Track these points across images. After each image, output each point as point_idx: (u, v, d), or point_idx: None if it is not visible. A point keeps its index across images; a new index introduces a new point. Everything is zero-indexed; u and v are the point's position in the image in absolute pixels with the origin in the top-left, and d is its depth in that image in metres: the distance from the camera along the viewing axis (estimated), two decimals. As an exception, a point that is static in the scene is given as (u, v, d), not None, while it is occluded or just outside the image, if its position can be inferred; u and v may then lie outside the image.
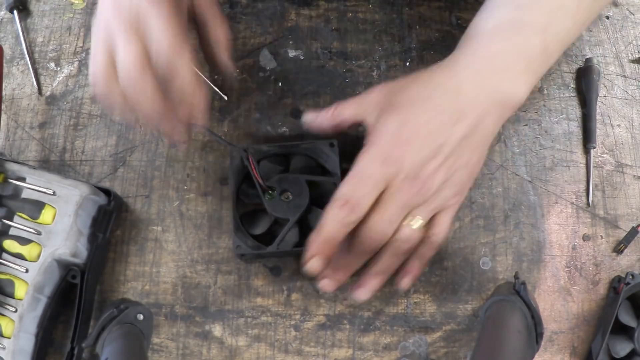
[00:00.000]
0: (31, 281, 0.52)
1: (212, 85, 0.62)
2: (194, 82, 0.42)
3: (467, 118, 0.45)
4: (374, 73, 0.64)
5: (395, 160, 0.44)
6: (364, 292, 0.51)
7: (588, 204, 0.60)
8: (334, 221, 0.45)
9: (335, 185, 0.51)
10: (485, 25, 0.47)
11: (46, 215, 0.53)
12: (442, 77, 0.46)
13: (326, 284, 0.50)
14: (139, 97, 0.41)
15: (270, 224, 0.55)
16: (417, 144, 0.45)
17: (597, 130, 0.62)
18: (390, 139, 0.45)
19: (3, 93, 0.62)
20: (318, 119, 0.53)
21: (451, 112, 0.45)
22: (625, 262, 0.59)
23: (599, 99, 0.63)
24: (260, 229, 0.55)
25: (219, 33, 0.50)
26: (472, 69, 0.46)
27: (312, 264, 0.46)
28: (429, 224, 0.49)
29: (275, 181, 0.54)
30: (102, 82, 0.42)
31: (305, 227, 0.55)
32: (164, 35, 0.39)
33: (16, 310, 0.52)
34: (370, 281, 0.50)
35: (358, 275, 0.52)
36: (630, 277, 0.55)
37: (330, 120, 0.52)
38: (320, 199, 0.54)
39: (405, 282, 0.52)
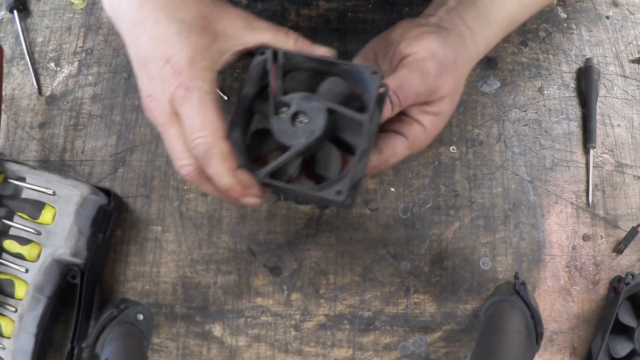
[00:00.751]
0: (31, 281, 0.52)
1: None
2: (225, 170, 0.41)
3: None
4: (374, 73, 0.64)
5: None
6: None
7: (588, 204, 0.60)
8: (398, 158, 0.48)
9: (359, 125, 0.42)
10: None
11: (46, 215, 0.53)
12: (472, 58, 0.51)
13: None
14: (190, 180, 0.44)
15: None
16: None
17: (597, 130, 0.62)
18: (447, 120, 0.49)
19: (3, 93, 0.62)
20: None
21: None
22: (625, 262, 0.59)
23: (599, 99, 0.63)
24: (265, 153, 0.46)
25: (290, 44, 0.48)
26: (487, 47, 0.51)
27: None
28: None
29: (294, 99, 0.43)
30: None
31: (312, 163, 0.45)
32: (194, 126, 0.41)
33: (16, 310, 0.52)
34: None
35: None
36: (630, 277, 0.55)
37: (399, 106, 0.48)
38: (336, 132, 0.45)
39: None
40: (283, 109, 0.43)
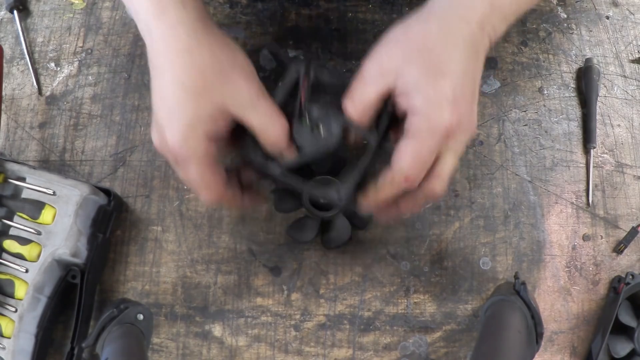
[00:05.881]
0: (31, 281, 0.52)
1: None
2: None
3: (479, 60, 0.46)
4: (374, 73, 0.64)
5: (455, 124, 0.43)
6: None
7: (588, 204, 0.60)
8: (392, 190, 0.46)
9: (365, 145, 0.48)
10: None
11: (46, 215, 0.53)
12: (460, 26, 0.45)
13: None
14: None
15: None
16: (467, 100, 0.44)
17: (597, 130, 0.62)
18: (449, 105, 0.43)
19: (3, 93, 0.62)
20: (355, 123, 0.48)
21: (476, 59, 0.45)
22: (625, 262, 0.59)
23: (599, 99, 0.63)
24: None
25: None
26: (479, 12, 0.45)
27: (367, 210, 0.49)
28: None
29: (315, 110, 0.49)
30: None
31: (336, 163, 0.52)
32: (199, 185, 0.47)
33: (16, 310, 0.52)
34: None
35: None
36: (630, 277, 0.55)
37: (360, 116, 0.47)
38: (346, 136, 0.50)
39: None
40: (306, 117, 0.48)
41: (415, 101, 0.43)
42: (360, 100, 0.46)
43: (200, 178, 0.46)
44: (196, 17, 0.45)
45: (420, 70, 0.43)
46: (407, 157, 0.44)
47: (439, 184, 0.46)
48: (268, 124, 0.46)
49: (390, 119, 0.48)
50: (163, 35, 0.45)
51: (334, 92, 0.51)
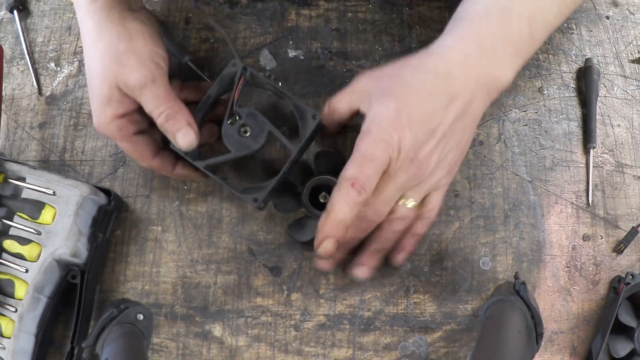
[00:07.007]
0: (31, 281, 0.52)
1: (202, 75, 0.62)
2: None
3: (457, 101, 0.47)
4: (374, 73, 0.64)
5: (395, 143, 0.46)
6: (364, 270, 0.52)
7: (588, 204, 0.60)
8: (345, 202, 0.46)
9: (284, 149, 0.52)
10: (474, 9, 0.49)
11: (46, 215, 0.53)
12: (432, 62, 0.47)
13: (325, 264, 0.53)
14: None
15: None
16: (414, 127, 0.46)
17: (597, 130, 0.62)
18: (389, 123, 0.46)
19: (3, 93, 0.62)
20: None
21: (443, 95, 0.46)
22: (625, 262, 0.59)
23: (599, 99, 0.63)
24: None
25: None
26: (461, 53, 0.47)
27: (326, 245, 0.47)
28: (422, 202, 0.52)
29: (245, 112, 0.52)
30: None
31: (254, 168, 0.58)
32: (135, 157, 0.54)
33: (16, 310, 0.52)
34: (369, 259, 0.53)
35: (354, 254, 0.54)
36: (630, 277, 0.55)
37: (328, 117, 0.53)
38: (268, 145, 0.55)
39: (400, 257, 0.54)
40: (236, 117, 0.52)
41: (364, 121, 0.48)
42: (332, 106, 0.52)
43: (125, 149, 0.53)
44: (102, 7, 0.50)
45: (379, 92, 0.47)
46: (349, 166, 0.46)
47: (375, 207, 0.49)
48: (155, 107, 0.50)
49: (314, 135, 0.53)
50: (80, 25, 0.52)
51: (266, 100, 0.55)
